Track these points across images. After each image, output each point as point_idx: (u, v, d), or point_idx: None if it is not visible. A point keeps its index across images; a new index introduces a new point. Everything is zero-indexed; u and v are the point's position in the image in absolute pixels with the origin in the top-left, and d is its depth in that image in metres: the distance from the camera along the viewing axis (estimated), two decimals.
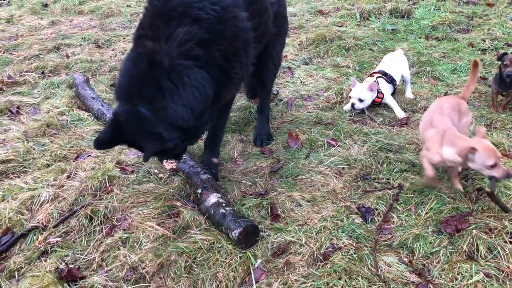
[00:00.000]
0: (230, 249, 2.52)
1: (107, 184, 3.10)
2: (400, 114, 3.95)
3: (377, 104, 4.09)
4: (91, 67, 4.93)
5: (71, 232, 2.75)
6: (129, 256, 2.52)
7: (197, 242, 2.58)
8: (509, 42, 5.45)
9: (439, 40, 5.68)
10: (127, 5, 7.26)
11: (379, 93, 4.03)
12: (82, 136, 3.73)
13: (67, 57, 5.20)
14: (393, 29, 6.01)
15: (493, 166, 2.54)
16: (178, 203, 2.92)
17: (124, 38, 5.83)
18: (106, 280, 2.39)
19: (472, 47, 5.40)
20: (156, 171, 3.25)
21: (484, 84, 4.54)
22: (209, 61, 2.49)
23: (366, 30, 5.99)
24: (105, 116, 3.81)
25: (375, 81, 4.05)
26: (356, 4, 6.89)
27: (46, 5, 7.02)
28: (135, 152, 3.44)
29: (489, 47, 5.39)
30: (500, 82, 3.87)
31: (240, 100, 4.27)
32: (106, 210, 2.87)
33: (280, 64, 3.79)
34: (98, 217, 2.81)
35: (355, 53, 5.27)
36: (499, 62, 3.91)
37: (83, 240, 2.70)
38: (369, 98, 3.97)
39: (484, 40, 5.54)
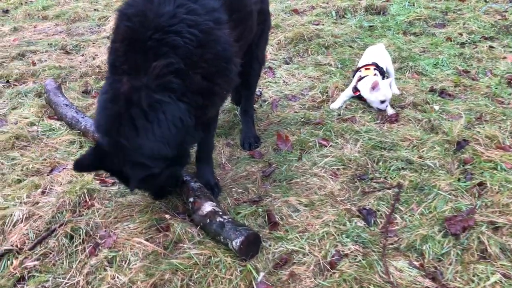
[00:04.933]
0: (229, 263, 2.32)
1: (87, 199, 2.84)
2: (390, 110, 3.84)
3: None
4: (60, 74, 4.62)
5: (50, 253, 2.48)
6: (117, 277, 2.28)
7: (192, 257, 2.36)
8: (485, 35, 5.45)
9: (417, 35, 5.63)
10: (94, 9, 6.93)
11: None
12: (55, 148, 3.44)
13: (34, 64, 4.87)
14: (370, 26, 5.94)
15: None
16: (167, 216, 2.69)
17: (93, 43, 5.53)
18: None
19: (451, 41, 5.37)
20: None
21: (468, 77, 4.49)
22: (189, 89, 2.37)
23: (343, 27, 5.90)
24: (80, 124, 3.54)
25: (375, 74, 3.93)
26: (331, 2, 6.80)
27: (6, 11, 6.62)
28: None
29: (466, 40, 5.38)
30: None
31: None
32: (87, 227, 2.62)
33: (264, 63, 3.62)
34: (80, 235, 2.56)
35: (335, 51, 5.15)
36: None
37: (64, 262, 2.44)
38: None
39: (461, 34, 5.53)
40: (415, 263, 2.35)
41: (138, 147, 2.30)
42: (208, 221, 2.50)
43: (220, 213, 2.53)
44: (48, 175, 3.12)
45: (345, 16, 6.35)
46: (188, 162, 2.70)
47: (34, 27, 6.06)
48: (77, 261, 2.42)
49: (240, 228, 2.39)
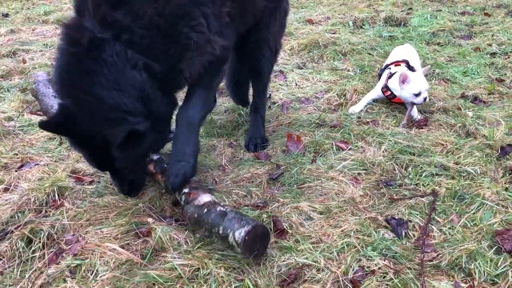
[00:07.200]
0: (222, 277, 1.80)
1: (56, 197, 2.36)
2: (417, 115, 3.35)
3: (390, 102, 3.51)
4: (51, 72, 4.22)
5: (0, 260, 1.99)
6: None
7: (175, 268, 1.85)
8: None
9: (442, 45, 5.18)
10: None
11: None
12: (31, 143, 2.98)
13: (24, 62, 4.49)
14: (390, 36, 5.51)
15: None
16: (150, 219, 2.19)
17: None
18: None
19: (480, 51, 4.91)
20: None
21: (503, 85, 4.00)
22: (136, 25, 1.92)
23: (361, 36, 5.48)
24: None
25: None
26: (348, 13, 6.43)
27: (6, 15, 6.34)
28: None
29: (496, 52, 4.92)
30: None
31: (226, 103, 3.62)
32: (51, 229, 2.13)
33: (279, 52, 3.14)
34: (40, 239, 2.07)
35: (353, 58, 4.71)
36: None
37: (15, 270, 1.94)
38: None
39: (490, 45, 5.07)
40: (463, 285, 1.82)
41: (101, 98, 1.88)
42: (205, 211, 2.00)
43: (221, 203, 2.05)
44: (16, 171, 2.66)
45: (363, 27, 5.94)
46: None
47: (33, 30, 5.74)
48: (32, 270, 1.93)
49: (246, 218, 1.89)
